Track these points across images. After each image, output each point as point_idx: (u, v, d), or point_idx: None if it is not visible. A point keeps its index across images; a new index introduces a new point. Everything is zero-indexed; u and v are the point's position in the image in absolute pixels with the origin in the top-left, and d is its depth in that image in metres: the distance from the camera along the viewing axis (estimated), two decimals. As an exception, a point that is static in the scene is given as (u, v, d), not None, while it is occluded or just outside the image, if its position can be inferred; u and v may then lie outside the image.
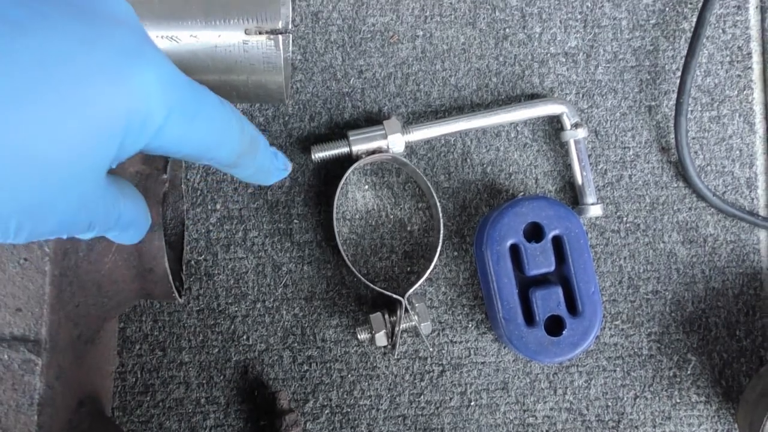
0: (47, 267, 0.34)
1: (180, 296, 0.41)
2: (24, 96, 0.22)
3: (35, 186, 0.23)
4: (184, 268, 0.46)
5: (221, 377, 0.47)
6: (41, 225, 0.24)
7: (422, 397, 0.48)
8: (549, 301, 0.45)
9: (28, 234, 0.24)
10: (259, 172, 0.34)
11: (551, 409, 0.49)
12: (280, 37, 0.42)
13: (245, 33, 0.42)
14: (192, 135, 0.27)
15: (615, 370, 0.49)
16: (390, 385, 0.48)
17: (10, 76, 0.22)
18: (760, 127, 0.51)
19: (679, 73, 0.50)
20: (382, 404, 0.48)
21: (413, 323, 0.46)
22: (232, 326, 0.48)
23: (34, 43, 0.22)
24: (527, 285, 0.46)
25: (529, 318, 0.45)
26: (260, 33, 0.42)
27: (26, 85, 0.22)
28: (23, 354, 0.34)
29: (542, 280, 0.46)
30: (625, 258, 0.50)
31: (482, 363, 0.49)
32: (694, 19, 0.50)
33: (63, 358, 0.36)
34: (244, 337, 0.48)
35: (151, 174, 0.39)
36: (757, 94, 0.51)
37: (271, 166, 0.35)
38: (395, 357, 0.48)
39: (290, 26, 0.49)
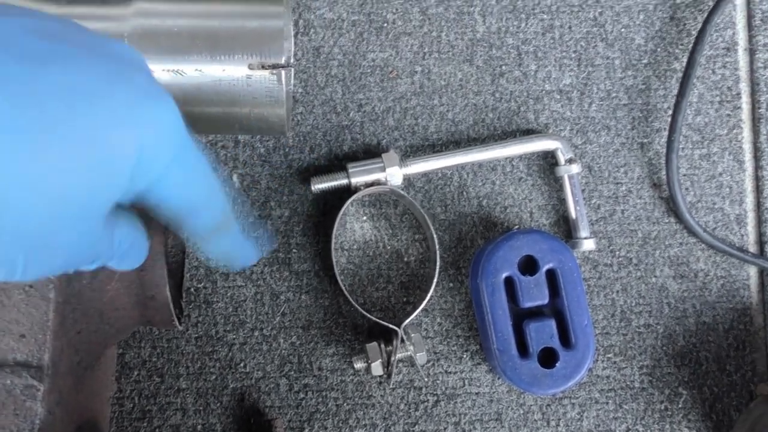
0: (51, 294, 0.35)
1: (180, 324, 0.42)
2: (45, 129, 0.22)
3: (45, 222, 0.23)
4: (183, 295, 0.47)
5: (218, 404, 0.48)
6: (48, 262, 0.25)
7: (417, 426, 0.49)
8: (542, 333, 0.46)
9: (36, 272, 0.25)
10: (228, 253, 0.34)
11: (544, 440, 0.49)
12: (282, 71, 0.43)
13: (249, 68, 0.43)
14: (187, 186, 0.28)
15: (607, 403, 0.50)
16: (385, 414, 0.49)
17: (33, 108, 0.22)
18: (749, 165, 0.52)
19: (670, 112, 0.52)
20: (376, 433, 0.48)
21: (409, 353, 0.46)
22: (230, 354, 0.48)
23: (58, 78, 0.23)
24: (521, 317, 0.47)
25: (523, 350, 0.46)
26: (263, 68, 0.43)
27: (48, 118, 0.22)
28: (26, 380, 0.34)
29: (536, 313, 0.47)
30: (617, 291, 0.50)
31: (476, 393, 0.49)
32: (685, 60, 0.52)
33: (64, 383, 0.36)
34: (242, 364, 0.48)
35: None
36: (746, 133, 0.52)
37: (240, 249, 0.34)
38: (390, 386, 0.49)
39: (292, 60, 0.50)
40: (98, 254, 0.28)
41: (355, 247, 0.50)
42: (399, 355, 0.46)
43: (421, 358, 0.47)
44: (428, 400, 0.49)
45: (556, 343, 0.46)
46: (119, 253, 0.29)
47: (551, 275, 0.46)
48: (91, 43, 0.25)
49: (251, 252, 0.35)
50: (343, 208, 0.47)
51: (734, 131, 0.52)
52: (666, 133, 0.51)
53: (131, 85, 0.25)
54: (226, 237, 0.32)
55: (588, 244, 0.49)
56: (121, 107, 0.24)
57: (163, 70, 0.42)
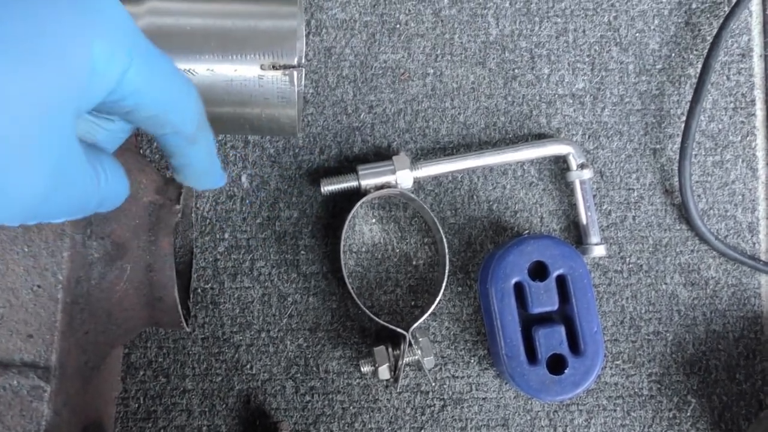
0: (60, 294, 0.35)
1: (187, 325, 0.42)
2: None
3: (7, 141, 0.22)
4: (191, 296, 0.47)
5: (223, 406, 0.48)
6: (8, 200, 0.23)
7: (423, 431, 0.48)
8: (551, 339, 0.45)
9: (19, 200, 0.23)
10: (209, 159, 0.33)
11: (551, 447, 0.49)
12: (294, 72, 0.42)
13: (261, 68, 0.42)
14: (154, 86, 0.27)
15: (615, 410, 0.49)
16: (391, 418, 0.48)
17: None
18: (762, 173, 0.52)
19: (683, 118, 0.51)
20: (382, 437, 0.48)
21: (416, 357, 0.46)
22: (236, 355, 0.48)
23: None
24: (530, 323, 0.46)
25: (532, 356, 0.45)
26: (275, 68, 0.43)
27: None
28: (32, 380, 0.34)
29: (545, 319, 0.47)
30: (627, 298, 0.50)
31: (483, 399, 0.49)
32: (700, 66, 0.51)
33: (70, 384, 0.36)
34: (248, 366, 0.48)
35: (164, 204, 0.39)
36: (760, 141, 0.52)
37: (216, 161, 0.34)
38: (397, 390, 0.48)
39: (303, 61, 0.50)
40: (86, 192, 0.26)
41: (363, 249, 0.49)
42: (406, 359, 0.46)
43: (428, 362, 0.46)
44: (435, 404, 0.49)
45: (565, 350, 0.45)
46: (105, 191, 0.28)
47: (561, 281, 0.46)
48: None
49: (220, 170, 0.34)
50: (352, 211, 0.47)
51: (748, 138, 0.52)
52: (679, 140, 0.51)
53: None
54: (203, 144, 0.31)
55: (598, 250, 0.49)
56: (69, 3, 0.24)
57: (174, 69, 0.42)
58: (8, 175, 0.22)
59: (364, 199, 0.47)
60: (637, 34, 0.52)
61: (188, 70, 0.42)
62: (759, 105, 0.52)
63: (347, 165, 0.50)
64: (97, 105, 0.26)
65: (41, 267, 0.35)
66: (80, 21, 0.24)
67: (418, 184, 0.50)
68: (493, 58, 0.51)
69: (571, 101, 0.51)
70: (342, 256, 0.47)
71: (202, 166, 0.32)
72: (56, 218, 0.26)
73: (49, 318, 0.35)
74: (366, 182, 0.47)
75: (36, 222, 0.25)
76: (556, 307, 0.46)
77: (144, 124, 0.29)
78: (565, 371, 0.45)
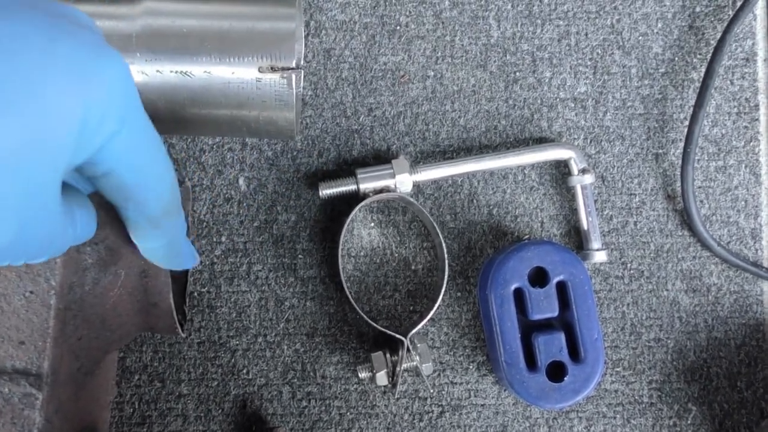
0: (52, 301, 0.34)
1: (183, 330, 0.41)
2: None
3: None
4: (187, 300, 0.46)
5: (219, 411, 0.47)
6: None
7: (420, 438, 0.48)
8: (551, 346, 0.45)
9: None
10: (172, 246, 0.32)
11: (550, 454, 0.48)
12: (293, 75, 0.42)
13: (259, 71, 0.42)
14: (137, 153, 0.27)
15: (615, 417, 0.49)
16: (389, 424, 0.48)
17: None
18: (765, 179, 0.51)
19: (686, 123, 0.51)
20: (379, 444, 0.48)
21: (414, 363, 0.46)
22: (233, 360, 0.47)
23: None
24: (530, 329, 0.46)
25: (531, 363, 0.45)
26: (273, 71, 0.42)
27: None
28: (24, 388, 0.34)
29: (545, 325, 0.46)
30: (628, 305, 0.49)
31: (482, 405, 0.48)
32: (703, 70, 0.50)
33: (63, 391, 0.36)
34: (244, 371, 0.47)
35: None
36: (764, 146, 0.51)
37: (183, 246, 0.33)
38: (395, 396, 0.48)
39: (302, 63, 0.49)
40: (56, 240, 0.26)
41: (362, 254, 0.49)
42: (404, 365, 0.45)
43: (426, 368, 0.46)
44: (433, 411, 0.48)
45: (565, 357, 0.45)
46: (75, 237, 0.28)
47: (562, 287, 0.45)
48: (37, 3, 0.24)
49: (191, 251, 0.34)
50: (351, 215, 0.47)
51: (751, 144, 0.51)
52: (682, 144, 0.50)
53: (75, 41, 0.23)
54: (172, 225, 0.31)
55: (600, 256, 0.48)
56: (64, 63, 0.23)
57: (170, 71, 0.42)
58: None
59: (362, 203, 0.47)
60: (640, 38, 0.51)
61: (185, 72, 0.42)
62: (763, 110, 0.52)
63: (346, 168, 0.49)
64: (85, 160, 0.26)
65: (34, 273, 0.34)
66: (75, 84, 0.23)
67: (418, 187, 0.49)
68: (494, 61, 0.50)
69: (572, 105, 0.51)
70: (340, 260, 0.47)
71: (163, 252, 0.32)
72: (20, 262, 0.26)
73: (42, 324, 0.34)
74: (365, 186, 0.47)
75: (5, 262, 0.25)
76: (556, 313, 0.45)
77: (108, 192, 0.28)
78: (565, 378, 0.45)
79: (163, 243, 0.32)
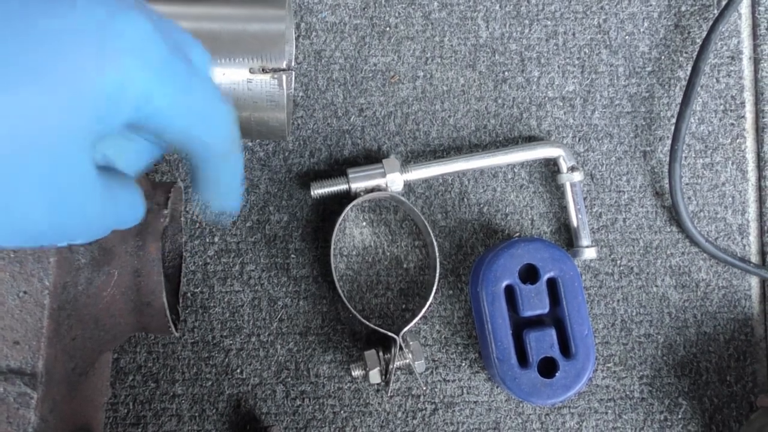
0: (46, 300, 0.35)
1: (176, 330, 0.41)
2: None
3: (7, 175, 0.21)
4: (180, 300, 0.46)
5: (214, 410, 0.47)
6: (22, 226, 0.22)
7: (414, 435, 0.48)
8: (542, 342, 0.45)
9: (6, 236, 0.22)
10: (236, 183, 0.31)
11: (542, 450, 0.49)
12: (284, 76, 0.42)
13: (250, 72, 0.42)
14: (180, 109, 0.25)
15: (606, 413, 0.49)
16: (382, 422, 0.48)
17: None
18: (752, 175, 0.52)
19: (673, 120, 0.51)
20: (373, 441, 0.48)
21: (407, 361, 0.46)
22: (226, 359, 0.48)
23: None
24: (521, 326, 0.46)
25: (523, 359, 0.45)
26: (264, 72, 0.42)
27: None
28: (19, 387, 0.34)
29: (536, 322, 0.47)
30: (618, 301, 0.50)
31: (475, 402, 0.49)
32: (689, 68, 0.51)
33: (57, 391, 0.36)
34: (238, 370, 0.48)
35: (152, 209, 0.39)
36: (750, 143, 0.52)
37: (237, 190, 0.31)
38: (388, 394, 0.48)
39: (293, 64, 0.50)
40: (98, 219, 0.25)
41: (354, 252, 0.49)
42: (397, 363, 0.46)
43: (419, 366, 0.46)
44: (426, 408, 0.48)
45: (556, 353, 0.45)
46: (119, 216, 0.27)
47: (552, 284, 0.46)
48: None
49: (240, 196, 0.32)
50: (342, 214, 0.47)
51: (738, 140, 0.52)
52: (669, 142, 0.51)
53: (85, 6, 0.22)
54: (232, 163, 0.29)
55: (589, 253, 0.49)
56: (83, 24, 0.22)
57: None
58: (6, 196, 0.22)
59: (354, 203, 0.47)
60: (627, 37, 0.52)
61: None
62: (748, 107, 0.52)
63: (337, 168, 0.49)
64: (118, 128, 0.25)
65: (27, 273, 0.35)
66: (96, 46, 0.22)
67: (409, 186, 0.50)
68: (483, 61, 0.51)
69: (561, 104, 0.51)
70: (332, 259, 0.47)
71: (227, 186, 0.30)
72: (62, 242, 0.25)
73: (36, 324, 0.34)
74: (356, 185, 0.47)
75: (40, 245, 0.24)
76: (547, 310, 0.46)
77: (174, 144, 0.27)
78: (557, 374, 0.45)
79: (228, 175, 0.30)
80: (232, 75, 0.42)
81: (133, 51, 0.23)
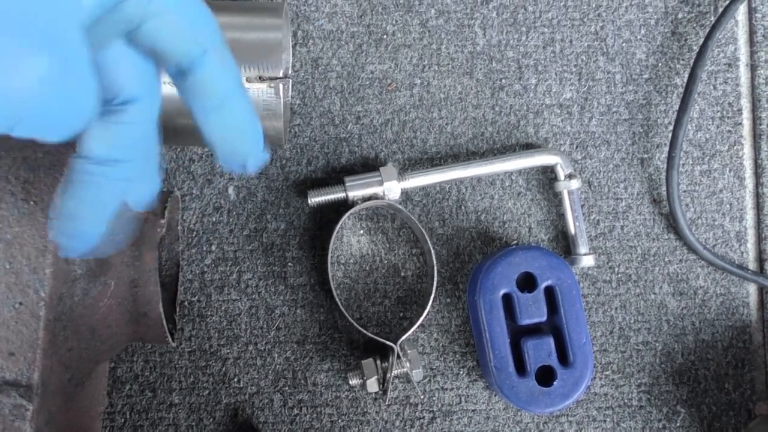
0: (42, 312, 0.34)
1: (173, 340, 0.41)
2: None
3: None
4: (177, 309, 0.46)
5: (211, 420, 0.47)
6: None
7: (412, 443, 0.48)
8: (540, 351, 0.45)
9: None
10: (244, 125, 0.29)
11: (541, 458, 0.49)
12: (281, 85, 0.42)
13: (246, 81, 0.42)
14: (175, 12, 0.26)
15: (605, 421, 0.49)
16: (380, 431, 0.48)
17: None
18: (749, 182, 0.52)
19: (671, 127, 0.51)
20: (371, 450, 0.48)
21: (405, 370, 0.46)
22: (224, 368, 0.48)
23: None
24: (519, 334, 0.46)
25: (521, 368, 0.45)
26: (261, 80, 0.42)
27: None
28: (14, 399, 0.34)
29: (534, 330, 0.46)
30: (616, 308, 0.50)
31: (473, 411, 0.49)
32: (686, 75, 0.51)
33: (53, 402, 0.36)
34: (235, 379, 0.48)
35: (148, 218, 0.39)
36: (747, 150, 0.52)
37: (256, 126, 0.30)
38: (386, 403, 0.48)
39: (290, 72, 0.50)
40: (84, 99, 0.24)
41: (351, 261, 0.49)
42: (395, 372, 0.46)
43: (417, 374, 0.46)
44: (424, 417, 0.48)
45: (554, 361, 0.45)
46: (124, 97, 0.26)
47: (550, 292, 0.46)
48: None
49: (260, 137, 0.30)
50: (340, 222, 0.47)
51: (735, 147, 0.52)
52: (666, 149, 0.51)
53: None
54: (238, 104, 0.28)
55: (587, 261, 0.49)
56: None
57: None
58: (8, 53, 0.22)
59: (351, 211, 0.47)
60: (624, 44, 0.52)
61: (171, 83, 0.42)
62: (746, 114, 0.52)
63: (335, 176, 0.49)
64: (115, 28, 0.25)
65: (23, 284, 0.34)
66: None
67: (406, 194, 0.49)
68: (481, 69, 0.51)
69: (558, 111, 0.51)
70: (330, 267, 0.47)
71: (233, 134, 0.29)
72: (48, 129, 0.24)
73: (31, 335, 0.34)
74: (353, 194, 0.47)
75: (24, 132, 0.23)
76: (544, 318, 0.45)
77: (167, 49, 0.27)
78: (555, 383, 0.45)
79: (230, 126, 0.29)
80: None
81: None
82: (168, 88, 0.42)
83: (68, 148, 0.36)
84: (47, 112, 0.23)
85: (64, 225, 0.28)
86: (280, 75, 0.42)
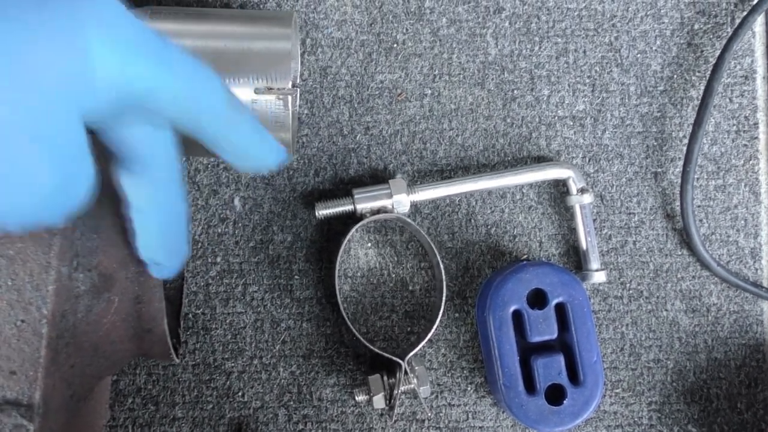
0: (44, 329, 0.34)
1: (177, 356, 0.41)
2: None
3: None
4: (181, 323, 0.45)
5: (214, 434, 0.47)
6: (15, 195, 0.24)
7: (418, 460, 0.47)
8: (550, 369, 0.44)
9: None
10: (259, 138, 0.32)
11: (549, 477, 0.48)
12: (289, 97, 0.41)
13: (255, 92, 0.41)
14: (167, 78, 0.26)
15: (614, 439, 0.48)
16: (386, 447, 0.47)
17: None
18: (765, 198, 0.51)
19: (685, 141, 0.50)
20: (377, 467, 0.47)
21: (412, 386, 0.45)
22: (228, 382, 0.47)
23: None
24: (529, 351, 0.45)
25: (530, 386, 0.44)
26: (269, 91, 0.42)
27: None
28: (15, 419, 0.33)
29: (544, 347, 0.46)
30: (627, 325, 0.49)
31: (480, 428, 0.48)
32: (702, 87, 0.50)
33: (55, 420, 0.35)
34: (240, 393, 0.47)
35: (153, 233, 0.38)
36: (763, 164, 0.51)
37: (264, 137, 0.32)
38: (393, 419, 0.47)
39: (298, 81, 0.49)
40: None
41: (359, 274, 0.48)
42: (402, 388, 0.45)
43: (424, 391, 0.45)
44: (431, 433, 0.48)
45: (564, 380, 0.44)
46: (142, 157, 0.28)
47: (560, 309, 0.45)
48: None
49: (275, 145, 0.32)
50: (348, 235, 0.46)
51: (751, 162, 0.51)
52: (681, 163, 0.50)
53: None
54: (241, 121, 0.30)
55: (599, 276, 0.48)
56: (57, 3, 0.23)
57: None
58: (15, 166, 0.23)
59: (359, 224, 0.46)
60: (639, 55, 0.51)
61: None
62: (762, 128, 0.51)
63: (342, 187, 0.48)
64: (116, 111, 0.26)
65: (25, 301, 0.34)
66: (74, 16, 0.24)
67: (415, 207, 0.49)
68: (492, 79, 0.50)
69: (571, 123, 0.50)
70: (337, 280, 0.46)
71: (250, 145, 0.31)
72: (58, 219, 0.26)
73: (33, 354, 0.34)
74: (361, 206, 0.46)
75: (36, 226, 0.25)
76: (555, 335, 0.45)
77: (177, 121, 0.28)
78: (564, 402, 0.44)
79: (245, 135, 0.31)
80: (236, 95, 0.41)
81: (114, 23, 0.25)
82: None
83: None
84: (45, 212, 0.26)
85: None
86: (289, 85, 0.42)
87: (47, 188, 0.24)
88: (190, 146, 0.44)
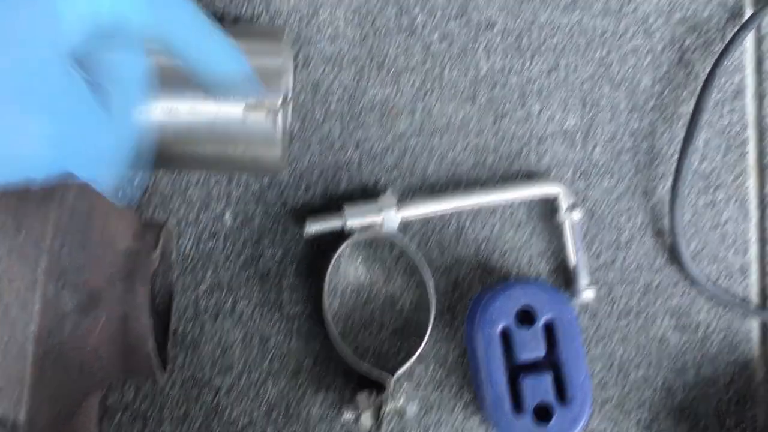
0: (30, 348, 0.34)
1: (164, 374, 0.41)
2: None
3: None
4: (170, 338, 0.45)
5: (202, 450, 0.46)
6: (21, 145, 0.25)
7: (407, 477, 0.47)
8: (538, 388, 0.44)
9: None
10: (221, 50, 0.33)
11: (537, 493, 0.48)
12: (280, 113, 0.41)
13: (246, 108, 0.41)
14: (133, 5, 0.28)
15: (603, 456, 0.48)
16: (374, 463, 0.47)
17: None
18: (754, 214, 0.51)
19: (675, 157, 0.50)
20: (365, 483, 0.47)
21: (400, 404, 0.45)
22: (216, 399, 0.47)
23: None
24: (517, 370, 0.45)
25: (518, 405, 0.44)
26: (260, 108, 0.42)
27: None
28: (-1, 439, 0.33)
29: (532, 366, 0.46)
30: (616, 342, 0.49)
31: (469, 444, 0.48)
32: (692, 104, 0.50)
33: (41, 439, 0.35)
34: (228, 410, 0.47)
35: (141, 251, 0.38)
36: (753, 181, 0.51)
37: (230, 47, 0.34)
38: (381, 436, 0.47)
39: (290, 95, 0.49)
40: (99, 130, 0.27)
41: (348, 290, 0.48)
42: (390, 406, 0.45)
43: (411, 409, 0.45)
44: (419, 449, 0.48)
45: (551, 399, 0.44)
46: (119, 128, 0.29)
47: (549, 327, 0.45)
48: None
49: (237, 54, 0.34)
50: (338, 252, 0.46)
51: (740, 178, 0.51)
52: (670, 179, 0.50)
53: None
54: (210, 39, 0.32)
55: (588, 294, 0.48)
56: None
57: (156, 108, 0.41)
58: (13, 118, 0.24)
59: (349, 240, 0.46)
60: (629, 71, 0.51)
61: (170, 110, 0.41)
62: (752, 145, 0.51)
63: (333, 203, 0.48)
64: (94, 43, 0.27)
65: (11, 319, 0.34)
66: None
67: (405, 223, 0.49)
68: (483, 94, 0.50)
69: (561, 139, 0.50)
70: (326, 297, 0.46)
71: (215, 53, 0.33)
72: (80, 166, 0.26)
73: (19, 372, 0.33)
74: (351, 222, 0.46)
75: (61, 172, 0.25)
76: (543, 354, 0.45)
77: (150, 41, 0.30)
78: (552, 420, 0.44)
79: (208, 57, 0.33)
80: (227, 111, 0.42)
81: None
82: (162, 114, 0.41)
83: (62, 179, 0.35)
84: (72, 154, 0.26)
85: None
86: (280, 101, 0.42)
87: (53, 138, 0.24)
88: (179, 161, 0.44)
